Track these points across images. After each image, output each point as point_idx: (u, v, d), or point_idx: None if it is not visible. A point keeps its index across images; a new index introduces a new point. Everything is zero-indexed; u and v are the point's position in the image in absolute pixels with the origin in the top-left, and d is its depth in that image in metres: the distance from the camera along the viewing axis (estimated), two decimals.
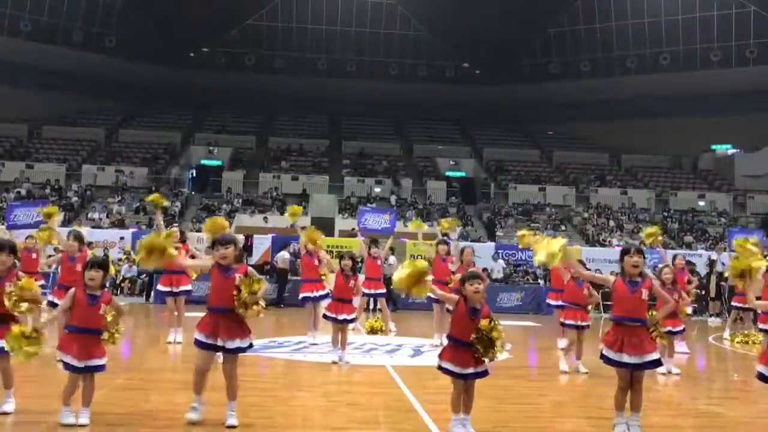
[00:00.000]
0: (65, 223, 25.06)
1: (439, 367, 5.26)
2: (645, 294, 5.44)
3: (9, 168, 30.59)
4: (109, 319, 5.30)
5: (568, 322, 8.86)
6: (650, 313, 5.65)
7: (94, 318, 5.24)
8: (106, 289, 5.44)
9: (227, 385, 5.40)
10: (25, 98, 34.84)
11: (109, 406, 5.73)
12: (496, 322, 5.17)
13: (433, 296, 10.91)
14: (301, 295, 10.94)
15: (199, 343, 5.38)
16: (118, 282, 19.96)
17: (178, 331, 10.17)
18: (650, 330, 5.57)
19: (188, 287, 10.40)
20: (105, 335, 5.28)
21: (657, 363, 5.47)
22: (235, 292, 5.30)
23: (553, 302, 10.84)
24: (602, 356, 5.49)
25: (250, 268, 5.64)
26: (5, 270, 5.53)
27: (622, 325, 5.43)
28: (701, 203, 32.81)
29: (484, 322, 5.12)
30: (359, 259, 12.45)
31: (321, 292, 10.73)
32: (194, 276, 10.57)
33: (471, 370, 5.14)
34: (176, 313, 10.28)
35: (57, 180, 29.90)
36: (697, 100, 35.96)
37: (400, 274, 5.16)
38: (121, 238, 22.32)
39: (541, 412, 6.71)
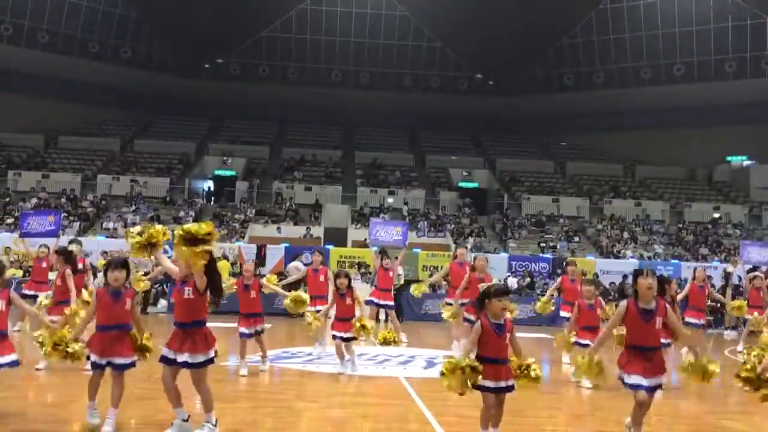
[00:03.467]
0: (80, 232, 25.28)
1: (477, 386, 5.12)
2: (659, 323, 5.35)
3: (25, 178, 30.89)
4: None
5: (582, 341, 8.78)
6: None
7: (119, 314, 5.47)
8: (130, 288, 5.70)
9: (200, 398, 5.41)
10: (41, 109, 35.24)
11: (122, 416, 5.75)
12: (530, 363, 5.26)
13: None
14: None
15: (161, 358, 5.39)
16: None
17: None
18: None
19: None
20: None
21: (659, 387, 5.41)
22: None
23: (567, 314, 10.78)
24: (623, 383, 5.39)
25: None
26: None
27: (636, 350, 5.35)
28: (716, 215, 32.56)
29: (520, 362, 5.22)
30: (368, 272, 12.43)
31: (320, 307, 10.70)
32: None
33: (503, 384, 5.13)
34: None
35: (72, 190, 30.14)
36: (711, 111, 35.76)
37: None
38: None
39: (556, 424, 6.67)
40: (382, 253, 13.02)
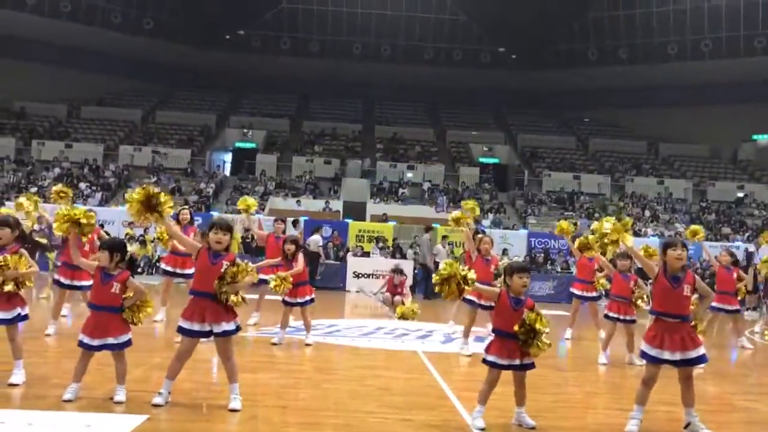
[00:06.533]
0: (102, 202, 25.54)
1: (485, 361, 5.26)
2: (687, 290, 5.33)
3: (48, 147, 31.21)
4: (129, 295, 5.35)
5: (611, 314, 8.70)
6: (695, 305, 5.50)
7: (107, 296, 5.30)
8: (123, 269, 5.41)
9: (226, 369, 5.41)
10: (64, 79, 35.46)
11: (146, 384, 5.84)
12: (541, 315, 5.21)
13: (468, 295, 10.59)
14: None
15: (185, 332, 5.34)
16: (153, 261, 20.30)
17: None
18: (692, 325, 5.43)
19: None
20: (125, 314, 5.34)
21: (701, 359, 5.33)
22: (218, 279, 5.25)
23: (577, 292, 10.67)
24: (642, 353, 5.43)
25: (238, 258, 5.51)
26: (4, 243, 5.64)
27: (663, 320, 5.35)
28: (740, 194, 32.14)
29: (530, 315, 5.15)
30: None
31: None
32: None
33: (518, 362, 5.18)
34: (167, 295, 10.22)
35: (95, 160, 30.41)
36: (738, 88, 35.11)
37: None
38: None
39: (575, 402, 6.68)
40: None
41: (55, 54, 35.12)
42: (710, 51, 37.41)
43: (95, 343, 5.27)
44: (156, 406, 5.22)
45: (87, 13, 36.91)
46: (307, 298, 8.75)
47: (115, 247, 5.45)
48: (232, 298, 5.30)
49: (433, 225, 22.68)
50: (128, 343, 5.39)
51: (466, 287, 5.07)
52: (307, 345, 8.70)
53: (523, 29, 38.24)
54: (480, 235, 9.80)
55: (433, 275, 5.32)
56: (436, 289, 5.18)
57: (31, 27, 34.65)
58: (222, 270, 5.28)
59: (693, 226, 11.30)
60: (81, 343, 5.30)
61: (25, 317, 5.79)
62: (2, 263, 5.51)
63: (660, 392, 5.57)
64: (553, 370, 8.23)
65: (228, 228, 5.45)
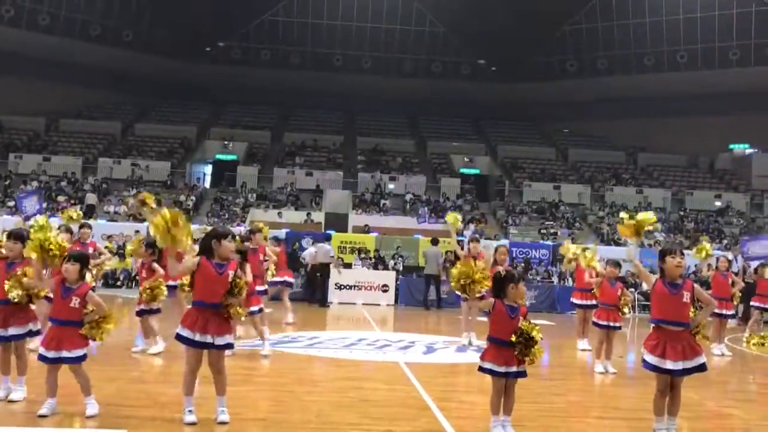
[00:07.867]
0: (85, 216, 25.25)
1: (481, 368, 5.28)
2: (686, 296, 5.32)
3: (26, 160, 30.86)
4: (89, 309, 5.28)
5: (600, 322, 8.77)
6: (693, 314, 5.41)
7: (66, 310, 5.25)
8: (84, 282, 5.37)
9: (216, 381, 5.36)
10: (42, 91, 35.12)
11: (123, 398, 5.77)
12: (535, 324, 5.25)
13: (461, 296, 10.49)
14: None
15: (186, 341, 5.22)
16: (133, 275, 20.11)
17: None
18: (693, 332, 5.42)
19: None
20: (84, 329, 5.26)
21: (703, 367, 5.31)
22: (227, 292, 5.28)
23: (577, 301, 10.71)
24: (644, 362, 5.38)
25: (239, 268, 5.54)
26: (15, 257, 5.70)
27: (663, 329, 5.33)
28: (717, 203, 32.52)
29: (524, 324, 5.18)
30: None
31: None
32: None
33: (514, 369, 5.21)
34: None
35: (73, 173, 30.12)
36: (715, 99, 35.58)
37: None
38: (137, 231, 22.40)
39: (555, 411, 6.68)
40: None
41: (34, 66, 34.76)
42: (686, 62, 37.97)
43: (50, 355, 5.21)
44: (190, 424, 5.14)
45: (65, 26, 36.69)
46: (254, 308, 8.55)
47: (83, 259, 5.46)
48: (238, 309, 5.33)
49: (415, 236, 22.76)
50: (83, 357, 5.29)
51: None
52: (264, 356, 8.62)
53: (502, 41, 38.54)
54: (502, 247, 9.90)
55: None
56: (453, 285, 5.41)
57: (9, 39, 34.30)
58: (229, 281, 5.31)
59: (700, 245, 11.41)
60: (39, 356, 5.26)
61: (38, 332, 5.78)
62: (22, 275, 5.54)
63: (650, 401, 5.57)
64: (535, 378, 8.23)
65: (234, 234, 5.55)
